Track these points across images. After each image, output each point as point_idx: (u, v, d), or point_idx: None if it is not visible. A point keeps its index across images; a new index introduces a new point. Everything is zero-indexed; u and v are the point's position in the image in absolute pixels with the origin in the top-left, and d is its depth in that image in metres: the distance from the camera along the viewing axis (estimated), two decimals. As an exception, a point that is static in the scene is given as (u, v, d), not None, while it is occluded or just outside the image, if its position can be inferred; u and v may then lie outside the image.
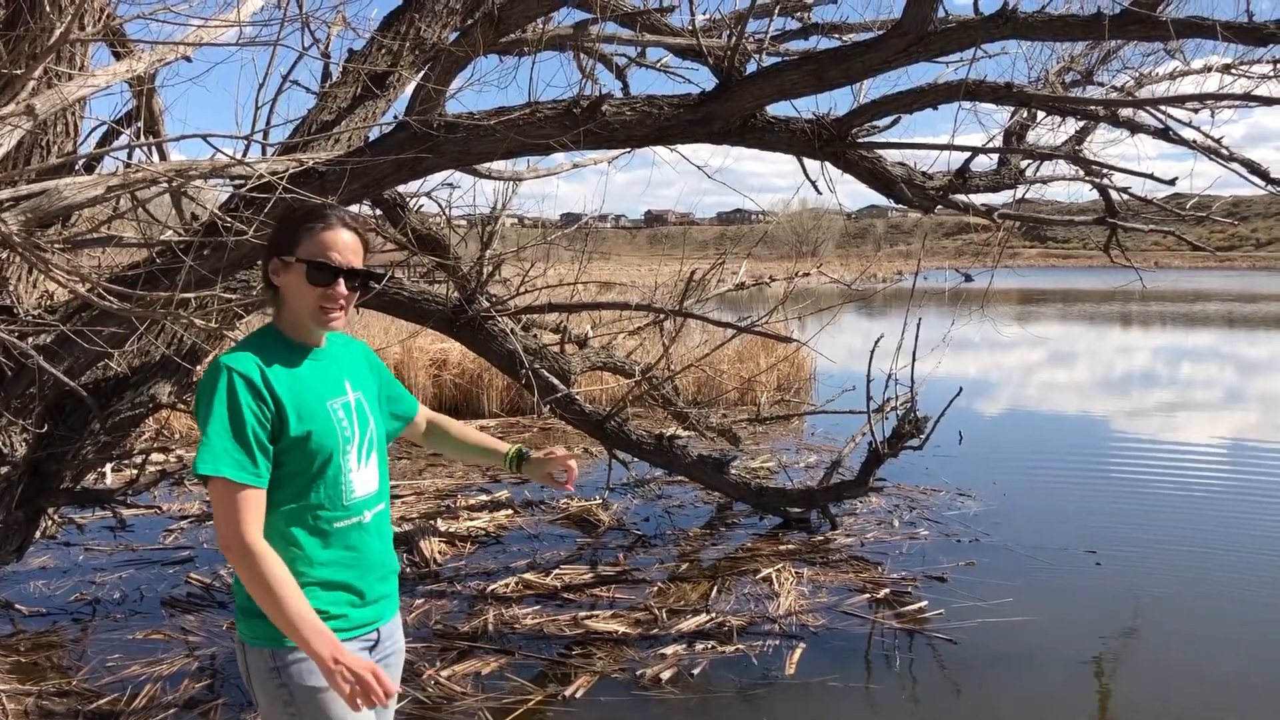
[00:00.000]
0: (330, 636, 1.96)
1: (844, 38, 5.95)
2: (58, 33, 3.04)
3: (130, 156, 4.74)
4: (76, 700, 4.32)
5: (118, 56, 4.54)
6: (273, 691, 2.09)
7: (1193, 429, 11.44)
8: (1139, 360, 19.52)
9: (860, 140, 4.99)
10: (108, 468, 7.38)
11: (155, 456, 5.99)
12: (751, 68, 4.73)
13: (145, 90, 4.68)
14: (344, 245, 2.15)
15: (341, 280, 2.14)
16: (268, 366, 2.08)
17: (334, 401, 2.17)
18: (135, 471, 5.92)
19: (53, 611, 5.44)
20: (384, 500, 2.28)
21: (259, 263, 4.91)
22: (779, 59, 5.29)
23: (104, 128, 4.95)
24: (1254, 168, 5.13)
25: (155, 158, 4.72)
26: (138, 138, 4.78)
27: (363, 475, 2.20)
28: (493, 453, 2.65)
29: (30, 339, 4.03)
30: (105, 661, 4.75)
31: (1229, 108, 4.94)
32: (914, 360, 6.78)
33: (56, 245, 3.63)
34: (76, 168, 4.37)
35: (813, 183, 5.46)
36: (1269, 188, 5.20)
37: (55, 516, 5.53)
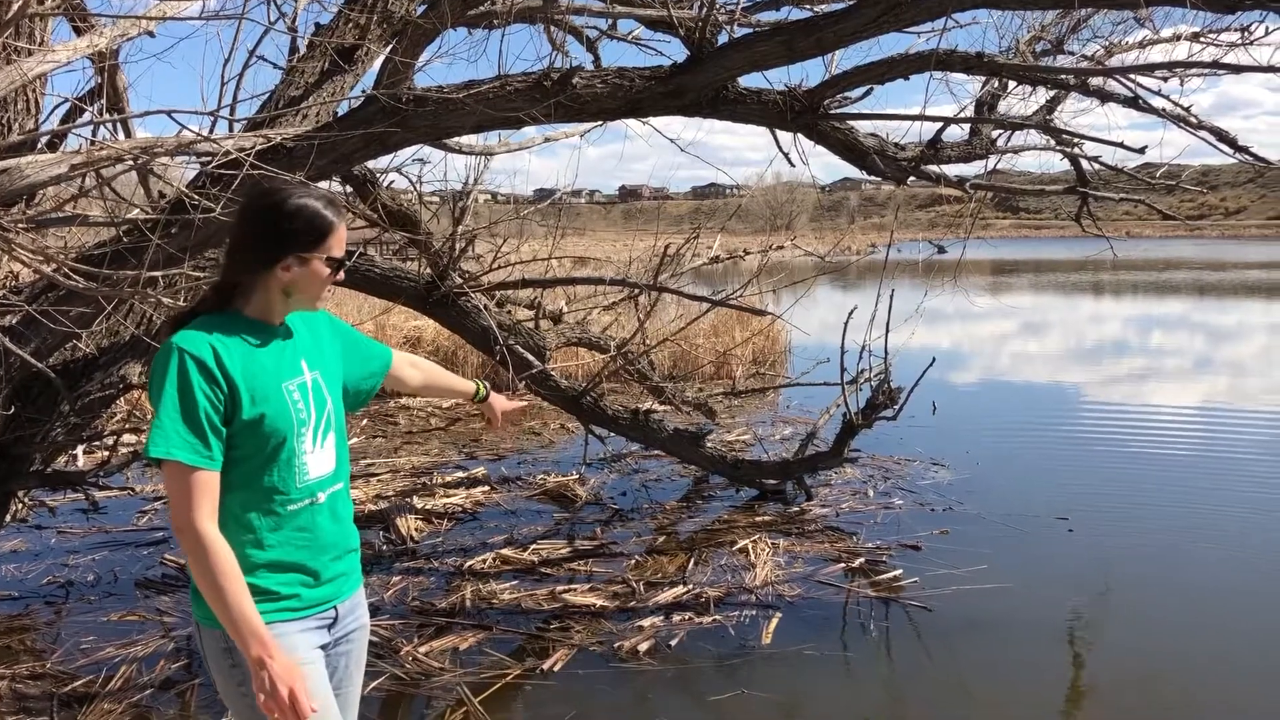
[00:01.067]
0: (265, 639, 1.97)
1: (815, 8, 5.92)
2: (15, 7, 2.99)
3: (94, 134, 4.67)
4: (51, 683, 4.29)
5: (79, 32, 4.47)
6: (226, 671, 2.10)
7: (1163, 395, 11.57)
8: (1110, 329, 19.69)
9: (832, 111, 4.99)
10: (79, 450, 7.32)
11: (127, 438, 5.94)
12: (723, 39, 4.71)
13: (108, 66, 4.60)
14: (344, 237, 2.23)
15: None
16: (222, 347, 2.06)
17: (289, 383, 2.15)
18: (107, 453, 5.87)
19: (25, 595, 5.39)
20: (341, 480, 2.28)
21: (227, 239, 4.87)
22: (750, 30, 5.27)
23: (66, 104, 4.87)
24: (1222, 135, 5.16)
25: (120, 135, 4.66)
26: (101, 115, 4.71)
27: (317, 457, 2.19)
28: (462, 393, 2.87)
29: (-5, 320, 3.98)
30: (80, 644, 4.72)
31: (1198, 76, 4.97)
32: (887, 332, 6.81)
33: (20, 225, 3.58)
34: (39, 145, 4.31)
35: (785, 155, 5.46)
36: (1237, 156, 5.24)
37: (25, 499, 5.49)
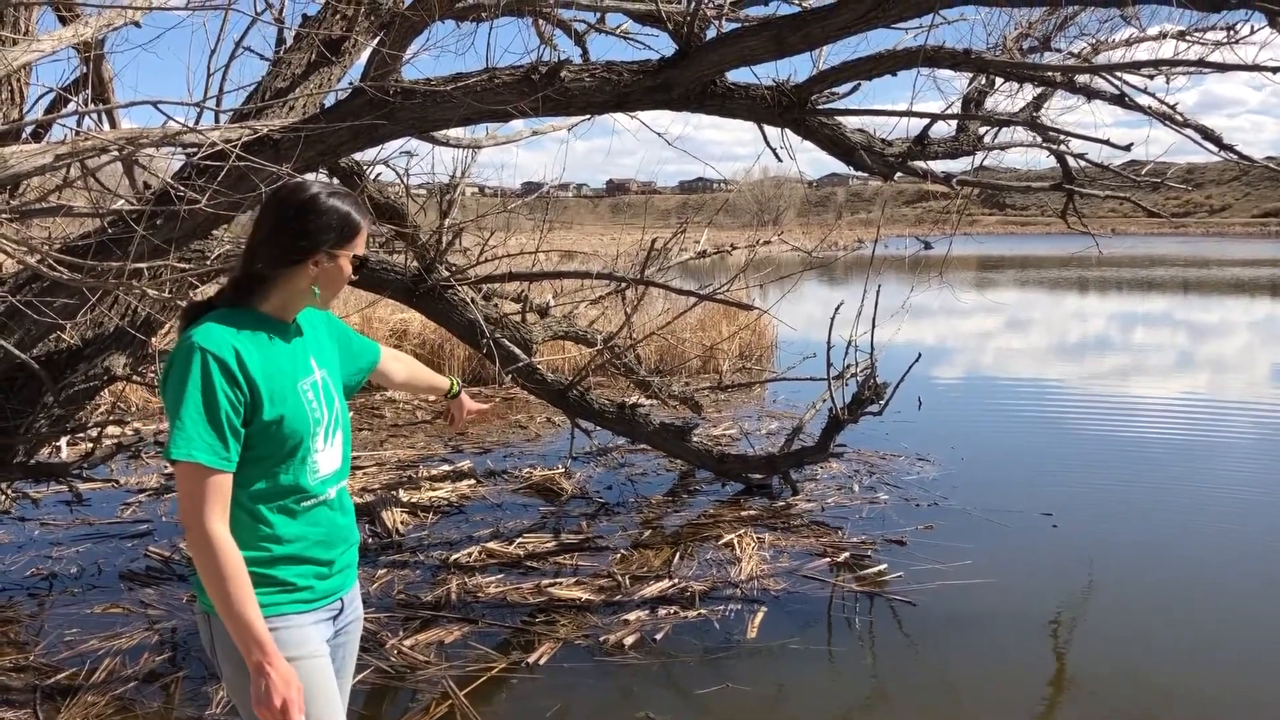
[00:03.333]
0: (267, 645, 1.99)
1: (804, 3, 5.92)
2: (0, -4, 2.97)
3: (79, 124, 4.65)
4: (34, 675, 4.28)
5: (64, 21, 4.45)
6: (238, 660, 2.06)
7: (1147, 391, 11.64)
8: (1095, 325, 19.78)
9: (820, 107, 5.00)
10: (62, 441, 7.28)
11: (111, 429, 5.91)
12: (711, 34, 4.71)
13: (93, 56, 4.57)
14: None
15: None
16: (243, 347, 2.06)
17: (304, 382, 2.17)
18: (91, 445, 5.83)
19: (8, 587, 5.37)
20: (345, 476, 2.31)
21: (216, 230, 4.85)
22: (739, 25, 5.27)
23: (51, 94, 4.84)
24: (1207, 134, 5.19)
25: (105, 125, 4.63)
26: (86, 105, 4.68)
27: (327, 455, 2.22)
28: (439, 388, 2.91)
29: (-21, 311, 3.95)
30: (63, 636, 4.70)
31: (1183, 74, 4.98)
32: (874, 327, 6.83)
33: (4, 215, 3.56)
34: (24, 135, 4.28)
35: (773, 150, 5.47)
36: (1222, 154, 5.26)
37: (9, 491, 5.46)
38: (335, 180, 6.07)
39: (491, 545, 5.98)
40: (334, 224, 2.17)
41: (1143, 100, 5.04)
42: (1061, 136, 5.87)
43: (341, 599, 2.29)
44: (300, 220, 2.15)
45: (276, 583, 2.11)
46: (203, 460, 1.98)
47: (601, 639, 4.66)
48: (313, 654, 2.15)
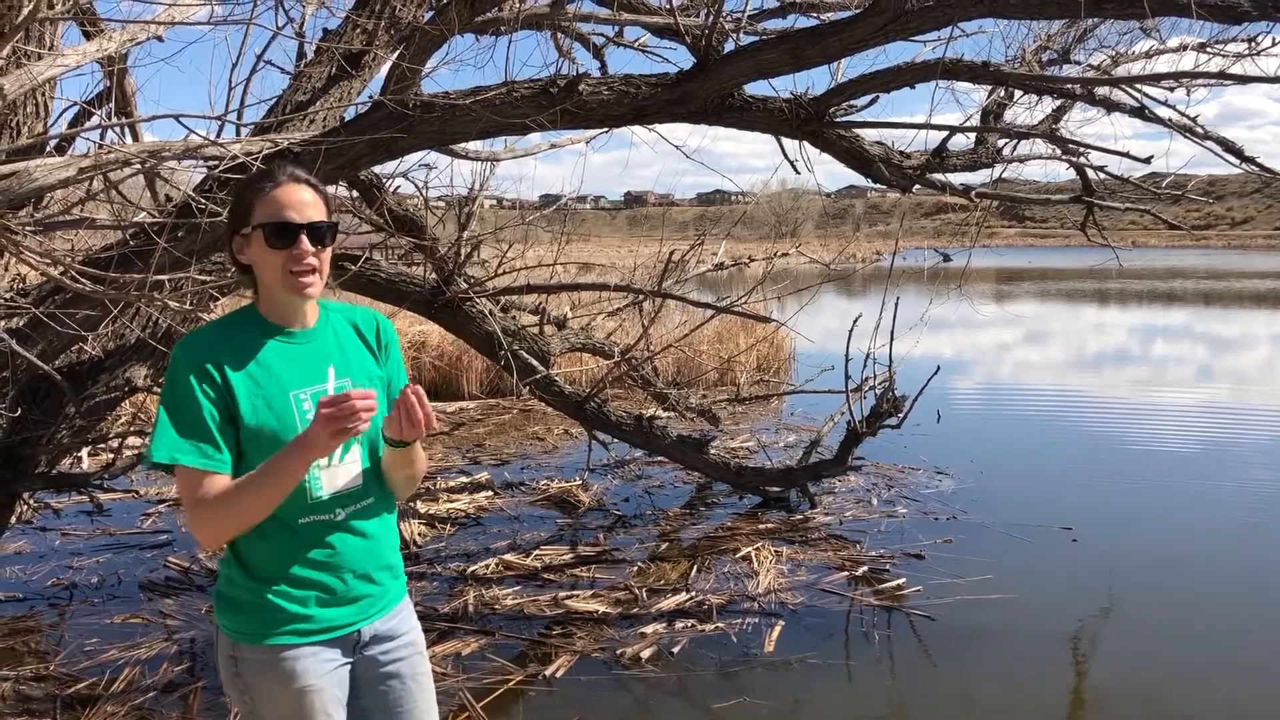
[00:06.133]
0: (296, 441, 1.90)
1: (821, 16, 5.93)
2: (26, 11, 2.99)
3: (102, 137, 4.68)
4: (54, 684, 4.30)
5: (88, 36, 4.48)
6: (230, 680, 2.07)
7: (1168, 406, 11.54)
8: (1115, 338, 19.66)
9: (838, 120, 4.99)
10: (84, 452, 7.32)
11: (132, 440, 5.94)
12: (729, 47, 4.71)
13: (117, 70, 4.62)
14: (300, 201, 2.00)
15: (304, 237, 1.98)
16: (227, 350, 1.98)
17: (303, 391, 2.01)
18: (112, 455, 5.87)
19: (29, 596, 5.40)
20: (371, 496, 2.11)
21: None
22: (756, 38, 5.28)
23: (75, 108, 4.88)
24: (1229, 146, 5.17)
25: (128, 139, 4.66)
26: (110, 118, 4.72)
27: (334, 472, 2.04)
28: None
29: (2, 322, 3.99)
30: (83, 646, 4.73)
31: (1203, 86, 4.96)
32: (892, 340, 6.81)
33: (28, 227, 3.59)
34: (48, 149, 4.32)
35: (791, 162, 5.47)
36: (1243, 166, 5.24)
37: (31, 501, 5.50)
38: (354, 193, 6.10)
39: (509, 557, 5.98)
40: (234, 198, 2.04)
41: (1163, 112, 5.03)
42: (1081, 149, 5.86)
43: (360, 630, 2.10)
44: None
45: (267, 608, 2.00)
46: (187, 462, 1.90)
47: (618, 652, 4.65)
48: (308, 689, 2.01)
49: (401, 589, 2.23)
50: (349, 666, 2.12)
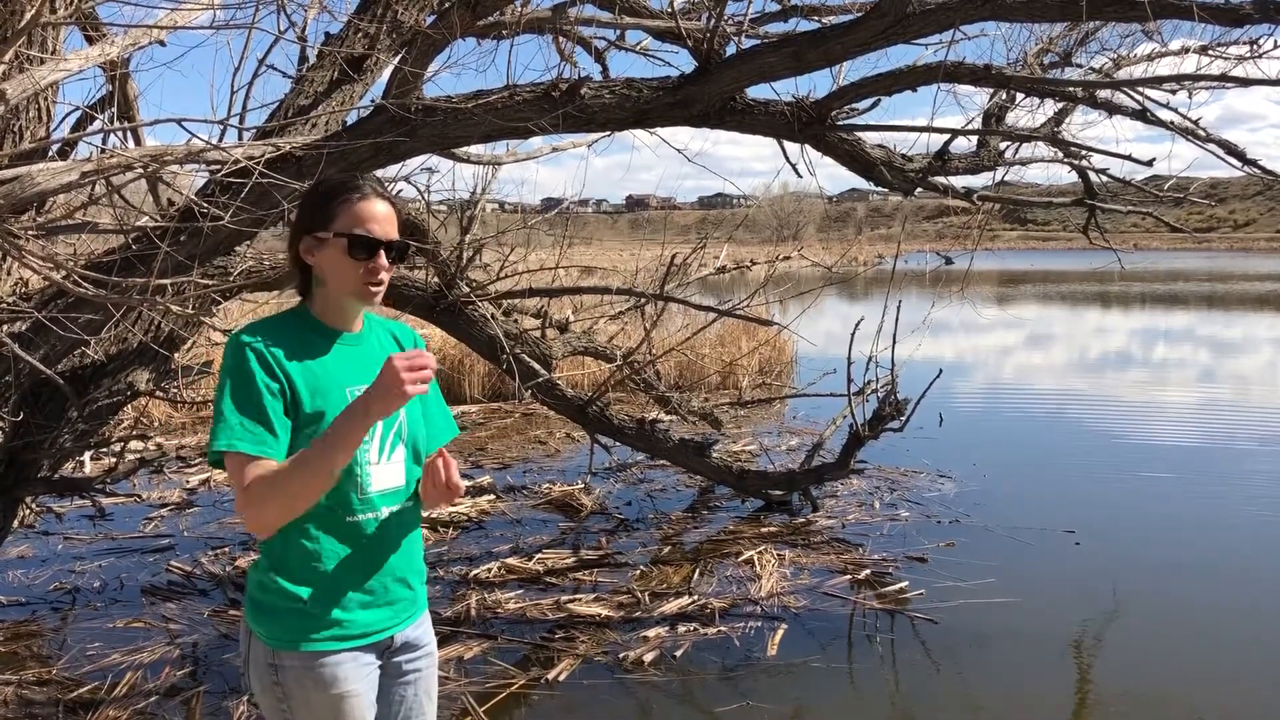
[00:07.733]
0: (356, 403, 1.89)
1: (823, 20, 5.93)
2: (28, 15, 3.00)
3: (105, 142, 4.70)
4: (56, 689, 4.30)
5: (90, 40, 4.49)
6: (269, 688, 2.03)
7: (1170, 408, 11.53)
8: (1117, 341, 19.64)
9: (840, 123, 4.99)
10: (86, 456, 7.33)
11: (134, 444, 5.95)
12: (731, 50, 4.72)
13: (119, 75, 4.62)
14: (382, 216, 2.05)
15: (383, 253, 2.04)
16: (281, 345, 1.99)
17: (357, 387, 2.01)
18: (114, 460, 5.88)
19: (31, 601, 5.40)
20: (410, 499, 2.17)
21: (239, 246, 4.89)
22: (758, 41, 5.28)
23: (78, 113, 4.89)
24: (1230, 149, 5.16)
25: (130, 143, 4.67)
26: (112, 123, 4.72)
27: (383, 470, 2.08)
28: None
29: (5, 327, 3.99)
30: (85, 650, 4.73)
31: (1205, 89, 4.97)
32: (894, 343, 6.80)
33: (30, 232, 3.60)
34: (50, 153, 4.32)
35: (793, 165, 5.48)
36: (1245, 169, 5.23)
37: (33, 505, 5.50)
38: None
39: (511, 561, 5.97)
40: (313, 203, 2.04)
41: (1165, 115, 5.02)
42: (1083, 152, 5.86)
43: (393, 636, 2.12)
44: (298, 210, 2.08)
45: (305, 615, 2.00)
46: (244, 449, 1.89)
47: (621, 656, 4.64)
48: (347, 695, 2.03)
49: (425, 598, 2.25)
50: (380, 671, 2.13)
